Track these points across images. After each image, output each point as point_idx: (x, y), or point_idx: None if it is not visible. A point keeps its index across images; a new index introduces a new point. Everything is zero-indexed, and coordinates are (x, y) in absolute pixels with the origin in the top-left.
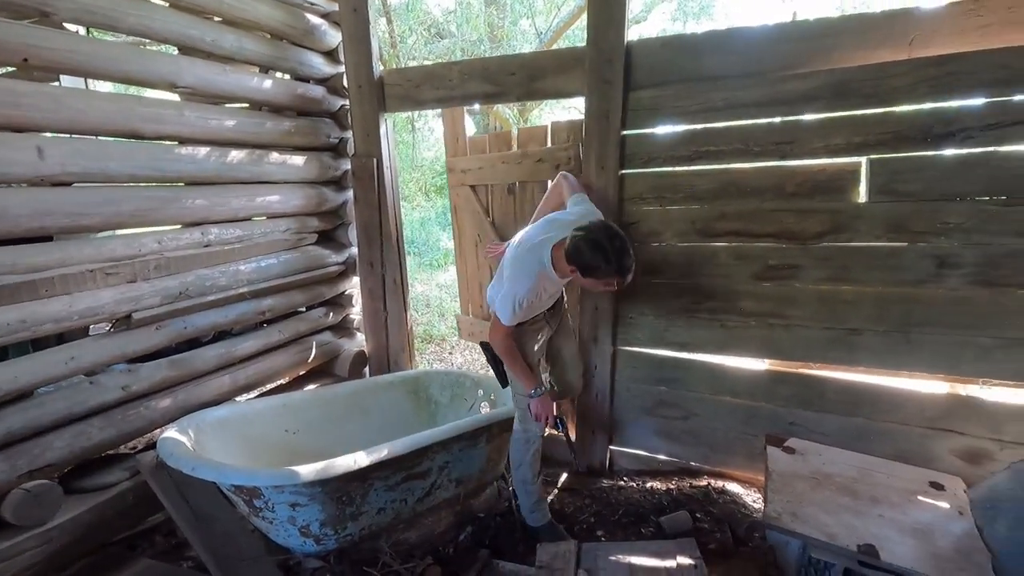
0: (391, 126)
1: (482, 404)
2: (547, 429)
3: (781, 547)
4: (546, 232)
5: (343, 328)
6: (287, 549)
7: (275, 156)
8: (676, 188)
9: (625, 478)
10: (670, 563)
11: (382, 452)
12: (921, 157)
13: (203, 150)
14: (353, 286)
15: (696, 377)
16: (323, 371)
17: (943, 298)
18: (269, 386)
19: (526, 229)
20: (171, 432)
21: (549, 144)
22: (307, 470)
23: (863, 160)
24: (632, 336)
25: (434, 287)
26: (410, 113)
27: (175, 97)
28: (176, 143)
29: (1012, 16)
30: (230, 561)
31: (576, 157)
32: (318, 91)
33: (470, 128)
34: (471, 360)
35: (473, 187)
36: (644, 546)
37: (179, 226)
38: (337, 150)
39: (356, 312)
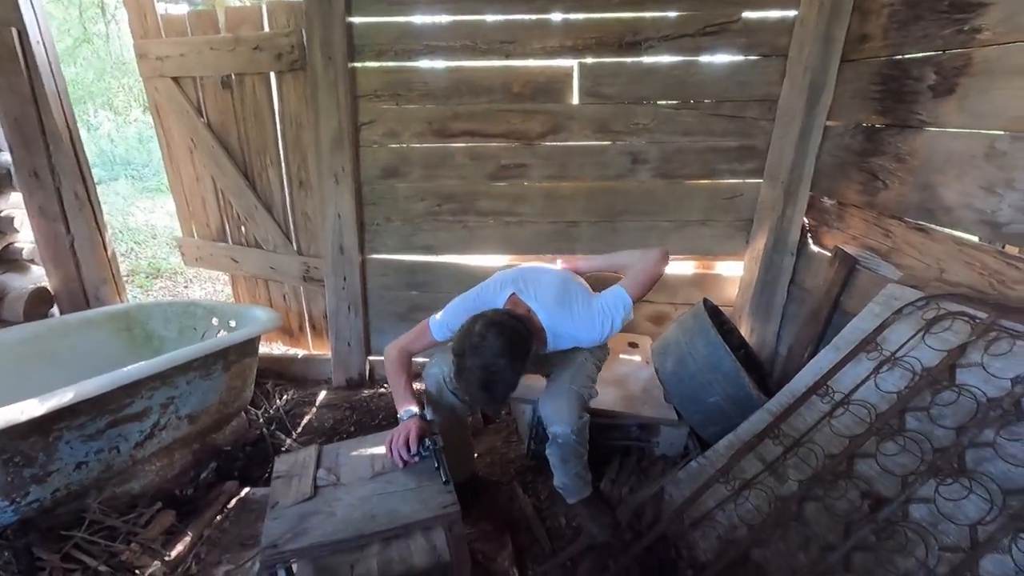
0: None
1: (219, 334)
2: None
3: (519, 416)
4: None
5: (5, 261)
6: None
7: None
8: (410, 85)
9: (385, 385)
10: None
11: (66, 396)
12: (617, 63)
13: None
14: (13, 205)
15: (445, 279)
16: None
17: (636, 190)
18: None
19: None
20: None
21: (266, 28)
22: None
23: (575, 64)
24: (380, 243)
25: (162, 214)
26: None
27: None
28: None
29: None
30: None
31: (300, 45)
32: None
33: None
34: (213, 292)
35: (176, 79)
36: (385, 435)
37: None
38: None
39: (26, 239)
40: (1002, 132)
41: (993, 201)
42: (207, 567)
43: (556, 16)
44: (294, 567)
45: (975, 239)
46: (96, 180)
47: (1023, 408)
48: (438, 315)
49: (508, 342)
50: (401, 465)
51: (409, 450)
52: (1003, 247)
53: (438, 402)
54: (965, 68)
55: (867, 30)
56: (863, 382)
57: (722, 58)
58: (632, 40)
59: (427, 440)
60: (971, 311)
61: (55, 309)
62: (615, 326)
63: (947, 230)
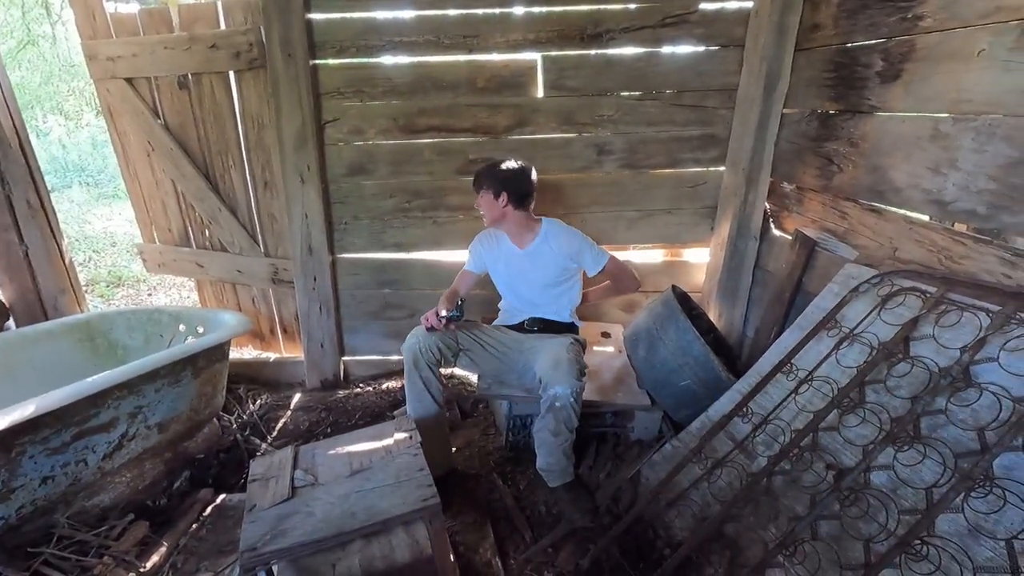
0: None
1: (186, 340)
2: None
3: (497, 410)
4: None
5: None
6: None
7: None
8: (374, 82)
9: (361, 384)
10: (387, 441)
11: (27, 409)
12: (580, 56)
13: None
14: None
15: (416, 276)
16: None
17: (603, 181)
18: None
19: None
20: None
21: (223, 26)
22: None
23: (538, 57)
24: (349, 242)
25: (121, 221)
26: None
27: None
28: None
29: None
30: None
31: (259, 43)
32: None
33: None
34: (178, 299)
35: (130, 81)
36: (361, 433)
37: None
38: None
39: None
40: (945, 115)
41: (939, 181)
42: None
43: (518, 9)
44: (275, 569)
45: (924, 218)
46: (49, 188)
47: (971, 376)
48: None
49: (525, 165)
50: (437, 325)
51: (438, 316)
52: (952, 225)
53: (413, 371)
54: (909, 54)
55: (818, 19)
56: (825, 359)
57: (682, 49)
58: (594, 32)
59: (457, 301)
60: (922, 286)
61: (11, 322)
62: (597, 253)
63: (898, 210)
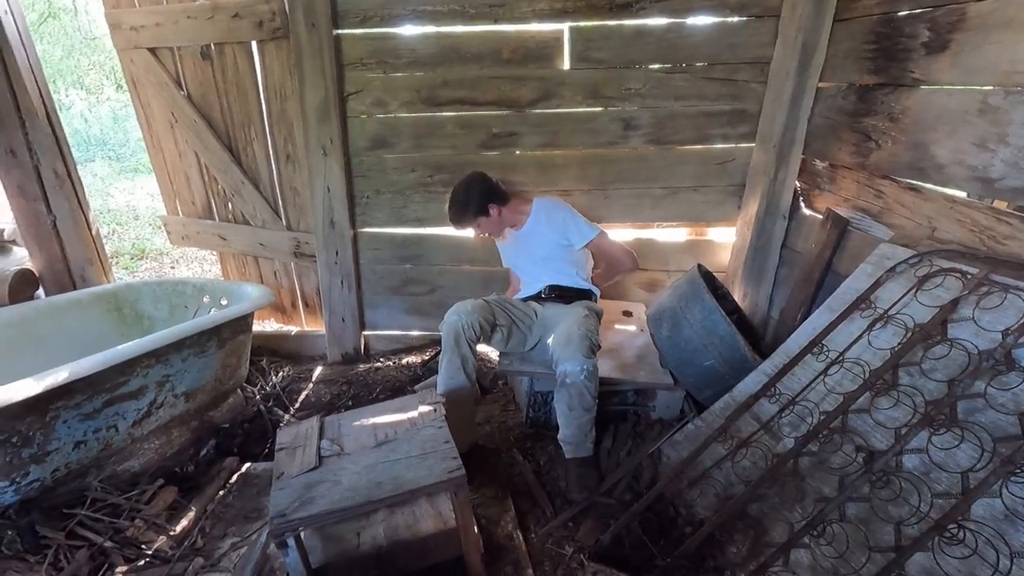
0: None
1: (210, 312)
2: None
3: (517, 387)
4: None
5: None
6: None
7: None
8: (397, 53)
9: (381, 359)
10: (412, 414)
11: (60, 375)
12: (608, 26)
13: None
14: None
15: (437, 251)
16: None
17: (628, 157)
18: None
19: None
20: None
21: None
22: None
23: (565, 27)
24: (371, 216)
25: (143, 195)
26: None
27: None
28: None
29: None
30: None
31: (282, 12)
32: None
33: None
34: (200, 272)
35: (153, 50)
36: (386, 406)
37: None
38: None
39: (6, 220)
40: (995, 87)
41: (986, 157)
42: (213, 540)
43: None
44: (302, 535)
45: (965, 196)
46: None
47: (1013, 359)
48: None
49: (471, 175)
50: None
51: None
52: (992, 203)
53: (453, 348)
54: (959, 24)
55: None
56: (856, 340)
57: (714, 19)
58: (623, 2)
59: None
60: (963, 267)
61: (40, 291)
62: (584, 226)
63: (939, 188)
